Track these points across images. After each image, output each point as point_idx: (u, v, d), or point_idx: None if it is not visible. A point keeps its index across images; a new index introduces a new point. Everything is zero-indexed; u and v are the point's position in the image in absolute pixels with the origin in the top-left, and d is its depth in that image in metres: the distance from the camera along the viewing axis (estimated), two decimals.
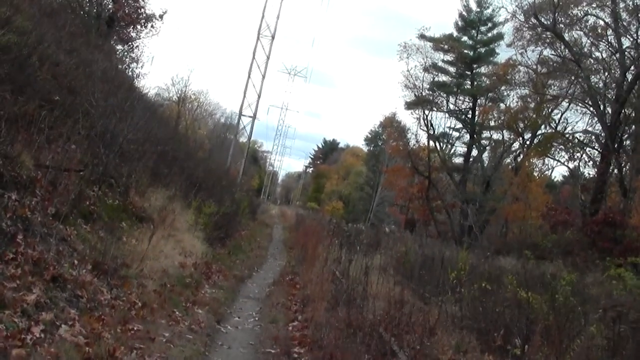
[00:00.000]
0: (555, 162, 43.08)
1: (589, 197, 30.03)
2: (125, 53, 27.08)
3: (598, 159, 31.63)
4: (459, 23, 45.54)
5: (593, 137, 34.14)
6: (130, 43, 27.32)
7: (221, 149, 46.02)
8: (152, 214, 12.35)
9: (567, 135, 36.50)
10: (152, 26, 27.05)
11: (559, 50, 33.40)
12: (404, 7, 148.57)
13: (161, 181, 14.58)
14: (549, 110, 39.50)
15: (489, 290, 10.35)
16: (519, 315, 8.21)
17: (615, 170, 29.93)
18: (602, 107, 30.80)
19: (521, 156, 42.85)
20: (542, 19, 31.84)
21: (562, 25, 31.80)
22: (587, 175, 37.43)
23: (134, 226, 11.03)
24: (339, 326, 7.81)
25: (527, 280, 9.69)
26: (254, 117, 41.65)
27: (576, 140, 35.12)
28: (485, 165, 45.43)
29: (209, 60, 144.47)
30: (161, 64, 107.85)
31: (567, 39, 32.25)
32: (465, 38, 45.49)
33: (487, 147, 47.01)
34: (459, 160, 47.78)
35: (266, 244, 25.20)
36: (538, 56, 35.58)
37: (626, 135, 31.75)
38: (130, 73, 25.04)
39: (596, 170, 31.39)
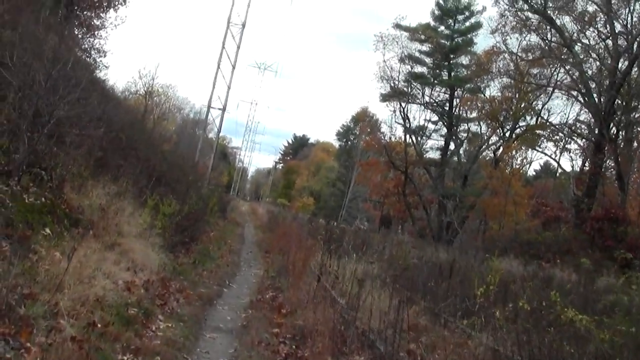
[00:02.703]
0: (535, 154, 41.62)
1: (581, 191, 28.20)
2: (88, 41, 25.52)
3: (588, 151, 29.92)
4: (436, 12, 43.69)
5: (584, 127, 32.50)
6: (94, 32, 25.82)
7: (189, 144, 43.76)
8: (91, 215, 9.57)
9: (556, 126, 34.79)
10: (115, 10, 25.82)
11: (545, 37, 31.63)
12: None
13: (110, 173, 12.06)
14: (534, 99, 37.92)
15: (528, 311, 8.18)
16: None
17: (610, 163, 28.26)
18: (596, 96, 28.99)
19: (501, 149, 41.28)
20: (532, 3, 30.05)
21: (550, 11, 30.06)
22: (574, 168, 35.94)
23: (63, 233, 8.08)
24: None
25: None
26: (223, 109, 39.45)
27: (566, 131, 33.41)
28: (462, 159, 43.82)
29: (177, 54, 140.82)
30: (128, 58, 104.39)
31: None
32: (442, 28, 43.77)
33: (465, 140, 45.44)
34: (435, 154, 46.08)
35: (238, 247, 22.71)
36: (518, 43, 34.04)
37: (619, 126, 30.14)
38: (92, 62, 23.14)
39: (589, 162, 29.61)
